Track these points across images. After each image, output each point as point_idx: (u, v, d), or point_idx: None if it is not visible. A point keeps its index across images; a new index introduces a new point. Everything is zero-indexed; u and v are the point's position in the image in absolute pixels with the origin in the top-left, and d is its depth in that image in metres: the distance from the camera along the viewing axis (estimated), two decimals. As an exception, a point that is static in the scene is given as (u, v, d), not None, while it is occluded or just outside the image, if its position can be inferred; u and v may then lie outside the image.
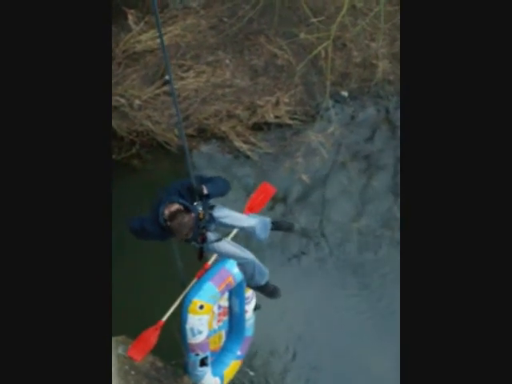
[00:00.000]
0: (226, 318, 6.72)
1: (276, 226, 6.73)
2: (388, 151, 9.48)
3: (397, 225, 8.60)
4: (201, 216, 5.77)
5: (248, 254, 6.25)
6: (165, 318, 6.29)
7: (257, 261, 6.27)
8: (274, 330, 7.22)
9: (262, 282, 6.36)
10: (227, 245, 6.18)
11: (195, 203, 5.76)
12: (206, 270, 6.34)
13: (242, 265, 6.20)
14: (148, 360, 6.48)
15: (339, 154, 9.38)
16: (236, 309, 6.68)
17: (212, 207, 5.98)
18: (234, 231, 6.62)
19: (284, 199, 9.03)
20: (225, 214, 6.18)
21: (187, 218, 5.61)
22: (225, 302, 6.63)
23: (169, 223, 5.63)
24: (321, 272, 8.31)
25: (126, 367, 6.34)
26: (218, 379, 6.60)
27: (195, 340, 6.22)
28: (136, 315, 7.45)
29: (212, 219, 5.97)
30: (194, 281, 6.32)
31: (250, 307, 6.68)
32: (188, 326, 6.14)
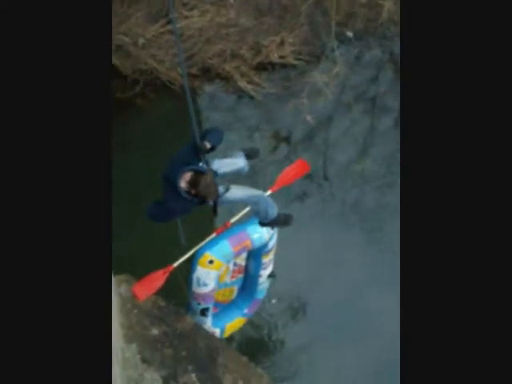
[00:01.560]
0: (240, 276, 6.72)
1: (247, 155, 6.71)
2: (392, 93, 9.28)
3: (399, 166, 8.48)
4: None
5: (257, 191, 6.18)
6: (175, 265, 6.24)
7: (265, 195, 6.23)
8: (278, 272, 7.12)
9: (275, 214, 6.25)
10: (236, 190, 6.04)
11: (200, 164, 5.63)
12: (227, 228, 6.28)
13: (256, 203, 6.09)
14: (150, 299, 6.43)
15: (343, 94, 9.22)
16: (251, 271, 6.69)
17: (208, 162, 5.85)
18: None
19: (287, 140, 8.92)
20: (219, 164, 6.09)
21: (208, 178, 5.49)
22: (242, 261, 6.61)
23: (194, 191, 5.50)
24: (323, 214, 8.21)
25: (129, 305, 6.31)
26: (218, 330, 6.65)
27: (199, 290, 6.26)
28: (139, 254, 7.40)
29: (215, 173, 5.84)
30: (212, 235, 6.25)
31: (265, 273, 6.67)
32: (195, 276, 6.18)
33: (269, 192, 6.56)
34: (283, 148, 8.84)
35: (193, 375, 6.06)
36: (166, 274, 6.23)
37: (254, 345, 7.39)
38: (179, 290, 6.60)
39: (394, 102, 9.10)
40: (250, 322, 7.27)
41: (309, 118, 8.96)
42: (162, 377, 5.99)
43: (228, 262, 6.32)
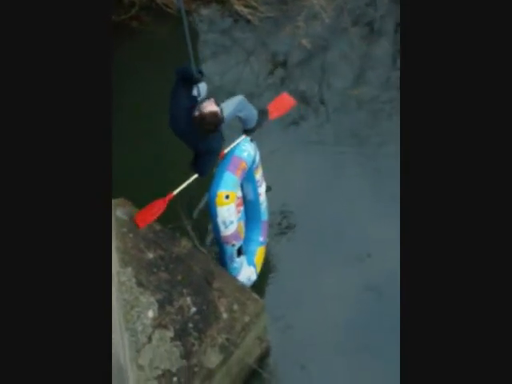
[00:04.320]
0: (241, 208, 6.59)
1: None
2: (390, 17, 8.98)
3: (396, 92, 8.27)
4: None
5: (236, 98, 6.10)
6: (176, 192, 6.17)
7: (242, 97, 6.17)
8: (271, 194, 6.97)
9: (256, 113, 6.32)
10: (225, 105, 5.93)
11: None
12: (221, 160, 6.27)
13: (244, 108, 6.10)
14: (146, 223, 6.31)
15: (341, 19, 8.90)
16: (250, 195, 6.64)
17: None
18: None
19: (284, 64, 8.62)
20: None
21: (207, 108, 5.49)
22: (238, 192, 6.49)
23: (206, 126, 5.55)
24: (319, 138, 7.98)
25: (124, 229, 6.22)
26: (252, 268, 6.63)
27: (228, 231, 6.22)
28: (135, 178, 7.26)
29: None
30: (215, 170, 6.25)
31: (262, 190, 6.64)
32: (220, 220, 6.13)
33: None
34: (279, 72, 8.57)
35: (188, 299, 5.99)
36: (167, 202, 6.16)
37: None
38: (175, 214, 6.46)
39: (391, 26, 8.83)
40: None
41: (305, 42, 8.68)
42: (158, 300, 5.93)
43: (237, 189, 6.29)
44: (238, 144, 6.33)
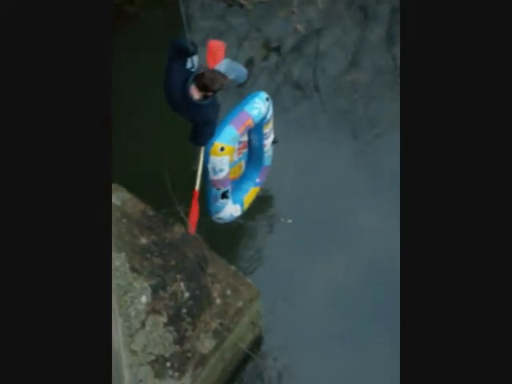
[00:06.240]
0: (245, 151, 6.71)
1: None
2: (384, 3, 8.93)
3: (390, 77, 8.24)
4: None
5: (222, 62, 6.14)
6: (197, 188, 6.19)
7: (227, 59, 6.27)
8: (265, 184, 6.99)
9: (243, 68, 6.45)
10: (218, 66, 6.03)
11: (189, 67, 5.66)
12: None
13: (233, 69, 6.19)
14: (139, 208, 6.32)
15: (335, 3, 8.85)
16: (256, 143, 6.70)
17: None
18: None
19: (278, 49, 8.60)
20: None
21: (207, 72, 5.59)
22: (245, 137, 6.59)
23: (210, 91, 5.58)
24: (313, 124, 7.98)
25: (118, 215, 6.21)
26: (238, 206, 6.64)
27: (217, 177, 6.23)
28: (127, 163, 7.21)
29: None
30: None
31: (268, 141, 6.70)
32: (210, 166, 6.15)
33: None
34: (273, 57, 8.55)
35: (181, 284, 5.98)
36: (196, 199, 6.19)
37: (243, 257, 7.24)
38: (166, 195, 6.45)
39: (385, 11, 8.78)
40: (241, 237, 7.06)
41: (299, 27, 8.64)
42: (151, 286, 5.92)
43: (236, 144, 6.34)
44: (252, 98, 6.37)
